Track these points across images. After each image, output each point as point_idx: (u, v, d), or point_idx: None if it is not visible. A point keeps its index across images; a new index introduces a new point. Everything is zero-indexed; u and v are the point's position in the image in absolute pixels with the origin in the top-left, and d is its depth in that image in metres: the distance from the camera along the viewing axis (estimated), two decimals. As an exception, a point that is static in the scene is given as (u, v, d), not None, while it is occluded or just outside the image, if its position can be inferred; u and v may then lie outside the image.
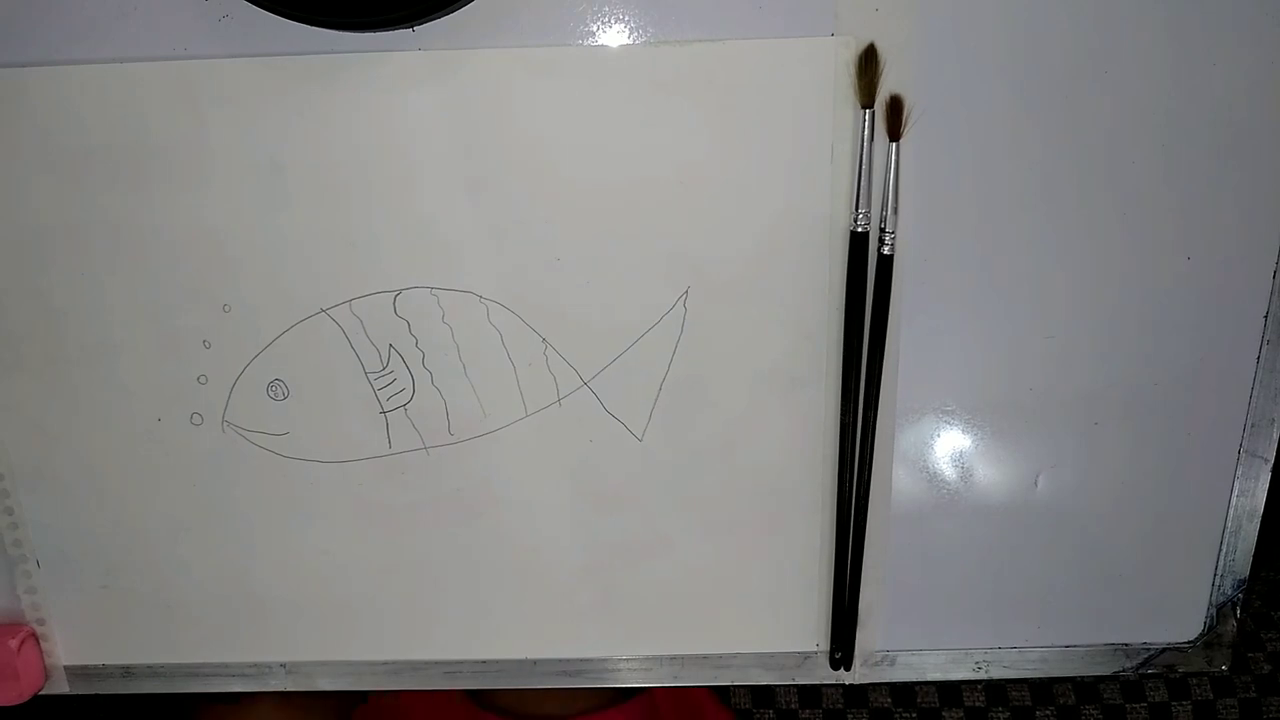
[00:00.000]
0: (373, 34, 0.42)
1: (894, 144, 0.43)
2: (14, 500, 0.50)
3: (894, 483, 0.49)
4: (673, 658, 0.53)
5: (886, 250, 0.44)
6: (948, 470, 0.49)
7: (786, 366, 0.47)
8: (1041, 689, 0.75)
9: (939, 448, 0.48)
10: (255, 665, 0.54)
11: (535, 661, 0.53)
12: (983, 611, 0.51)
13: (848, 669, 0.52)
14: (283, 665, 0.54)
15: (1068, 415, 0.48)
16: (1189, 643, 0.52)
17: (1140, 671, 0.53)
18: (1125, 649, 0.52)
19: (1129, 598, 0.51)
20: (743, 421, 0.48)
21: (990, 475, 0.49)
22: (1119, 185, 0.44)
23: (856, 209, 0.43)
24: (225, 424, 0.49)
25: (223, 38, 0.42)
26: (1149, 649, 0.52)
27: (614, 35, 0.42)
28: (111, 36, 0.43)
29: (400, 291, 0.46)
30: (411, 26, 0.42)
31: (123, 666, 0.54)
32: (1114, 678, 0.65)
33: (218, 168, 0.44)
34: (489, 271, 0.46)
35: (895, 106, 0.42)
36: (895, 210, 0.43)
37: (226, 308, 0.47)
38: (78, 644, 0.54)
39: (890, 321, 0.45)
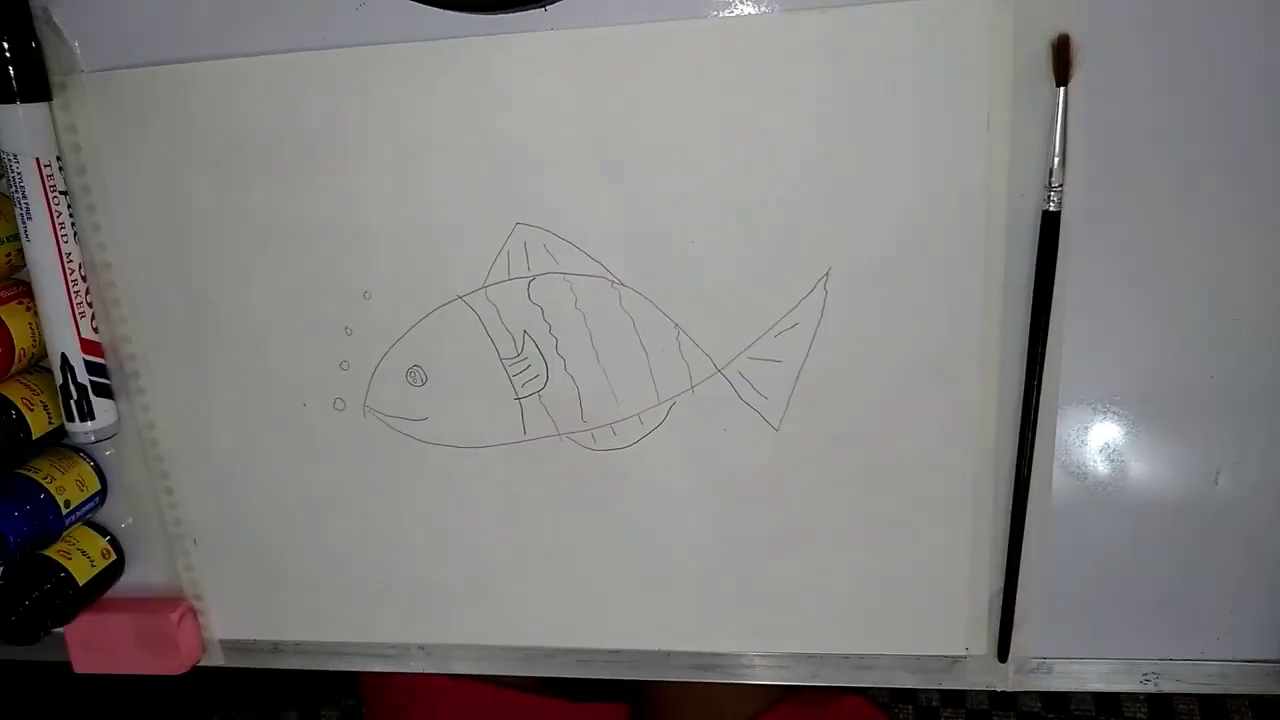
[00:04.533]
0: (506, 15, 0.42)
1: (1062, 89, 0.39)
2: (174, 480, 0.53)
3: (1055, 478, 0.45)
4: (810, 656, 0.51)
5: (1052, 207, 0.40)
6: (1116, 465, 0.45)
7: (936, 352, 0.44)
8: (1214, 704, 0.69)
9: (1107, 440, 0.45)
10: (395, 646, 0.55)
11: (668, 654, 0.52)
12: (1154, 619, 0.47)
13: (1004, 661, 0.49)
14: (421, 647, 0.55)
15: (1254, 406, 0.43)
16: (1396, 662, 0.47)
17: (1336, 692, 0.48)
18: (1320, 666, 0.47)
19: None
20: (887, 411, 0.45)
21: (1165, 471, 0.45)
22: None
23: (1051, 183, 0.40)
24: (366, 409, 0.49)
25: (359, 25, 0.43)
26: (1348, 667, 0.47)
27: (751, 5, 0.40)
28: (254, 29, 0.44)
29: (534, 277, 0.46)
30: (544, 6, 0.41)
31: (272, 643, 0.56)
32: (1300, 696, 0.59)
33: (356, 156, 0.45)
34: (622, 256, 0.45)
35: (1062, 48, 0.38)
36: (1063, 163, 0.40)
37: (367, 295, 0.47)
38: (232, 619, 0.56)
39: (1055, 301, 0.42)
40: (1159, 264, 0.42)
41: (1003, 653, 0.48)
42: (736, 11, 0.41)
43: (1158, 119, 0.40)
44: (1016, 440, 0.44)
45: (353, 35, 0.43)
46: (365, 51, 0.43)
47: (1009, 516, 0.45)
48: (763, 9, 0.40)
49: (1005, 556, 0.46)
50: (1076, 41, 0.39)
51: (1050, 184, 0.40)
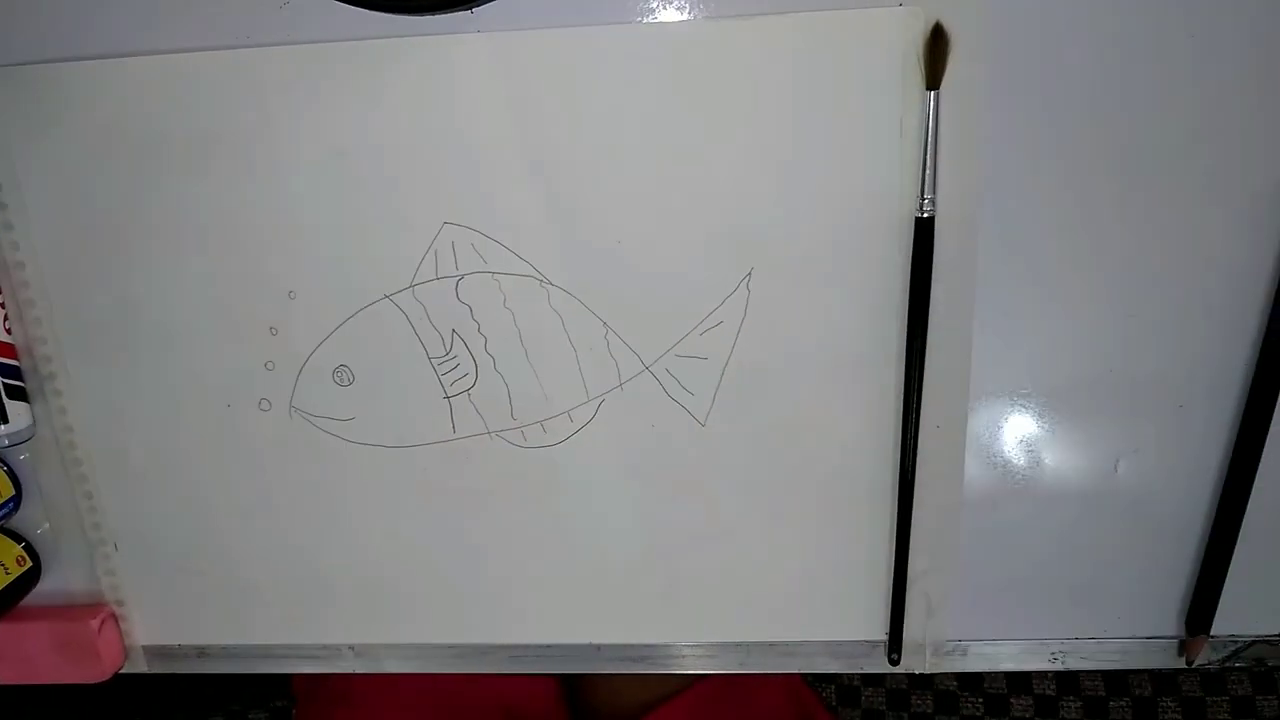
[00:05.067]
0: (431, 17, 0.42)
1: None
2: (93, 484, 0.51)
3: (967, 468, 0.47)
4: (738, 645, 0.53)
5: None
6: (1024, 455, 0.47)
7: (855, 349, 0.45)
8: (1116, 678, 0.73)
9: (1015, 431, 0.47)
10: (324, 647, 0.55)
11: (599, 647, 0.53)
12: (1059, 601, 0.50)
13: (896, 665, 0.51)
14: (351, 648, 0.55)
15: (1150, 397, 0.46)
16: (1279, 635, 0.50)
17: (1225, 664, 0.51)
18: (1211, 641, 0.50)
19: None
20: (809, 406, 0.47)
21: (1069, 460, 0.47)
22: (1210, 156, 0.42)
23: (923, 193, 0.42)
24: (293, 409, 0.49)
25: (283, 25, 0.42)
26: (1236, 641, 0.50)
27: (674, 11, 0.41)
28: (176, 26, 0.43)
29: (462, 276, 0.46)
30: (469, 8, 0.41)
31: (197, 647, 0.55)
32: (1195, 670, 0.63)
33: (281, 155, 0.45)
34: (550, 255, 0.45)
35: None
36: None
37: (292, 294, 0.47)
38: (155, 624, 0.55)
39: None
40: (1062, 263, 0.44)
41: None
42: (660, 17, 0.41)
43: (1060, 134, 0.42)
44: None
45: (277, 34, 0.43)
46: (291, 50, 0.43)
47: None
48: (686, 15, 0.41)
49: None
50: (953, 44, 0.40)
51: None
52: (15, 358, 0.48)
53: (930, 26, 0.40)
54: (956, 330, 0.44)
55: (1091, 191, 0.43)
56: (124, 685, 0.55)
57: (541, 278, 0.46)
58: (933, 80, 0.40)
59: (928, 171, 0.41)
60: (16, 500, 0.52)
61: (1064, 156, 0.42)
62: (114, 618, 0.54)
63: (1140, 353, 0.45)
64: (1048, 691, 0.71)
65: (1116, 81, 0.41)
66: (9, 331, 0.48)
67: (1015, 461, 0.47)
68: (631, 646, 0.53)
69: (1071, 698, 0.71)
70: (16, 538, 0.52)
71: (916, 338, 0.44)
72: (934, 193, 0.42)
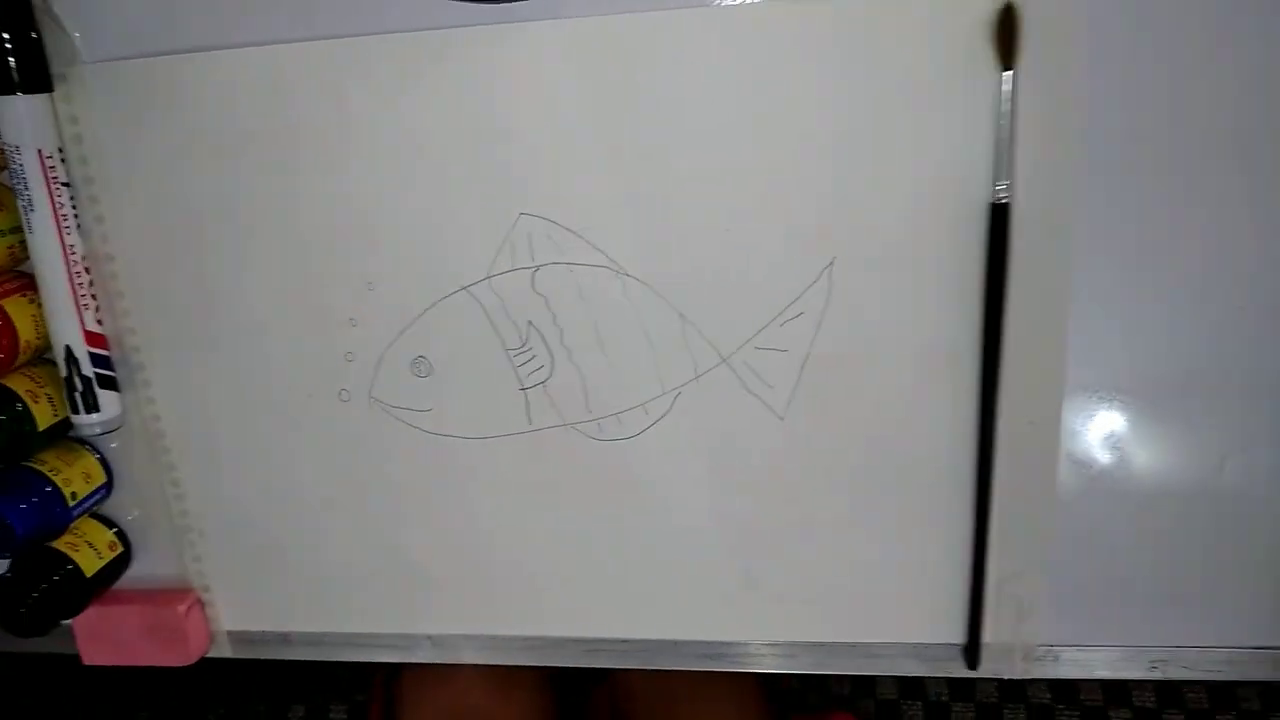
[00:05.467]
0: (510, 5, 0.41)
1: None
2: (180, 473, 0.53)
3: (1061, 466, 0.45)
4: (818, 645, 0.51)
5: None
6: (1122, 452, 0.45)
7: (941, 341, 0.44)
8: (1222, 691, 0.69)
9: (1112, 427, 0.44)
10: (403, 636, 0.55)
11: (676, 643, 0.52)
12: (1161, 606, 0.47)
13: (974, 669, 0.49)
14: (429, 638, 0.55)
15: (1260, 393, 0.43)
16: (1404, 649, 0.47)
17: (1343, 678, 0.48)
18: (1328, 653, 0.47)
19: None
20: (892, 400, 0.45)
21: (1171, 459, 0.45)
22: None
23: (997, 178, 0.40)
24: (372, 400, 0.49)
25: (361, 15, 0.43)
26: (1356, 653, 0.47)
27: (753, -8, 0.40)
28: (257, 19, 0.44)
29: (538, 268, 0.46)
30: (546, -6, 0.41)
31: (281, 633, 0.56)
32: (1308, 683, 0.59)
33: (358, 147, 0.45)
34: (626, 246, 0.45)
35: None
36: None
37: (371, 286, 0.47)
38: (239, 610, 0.56)
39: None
40: (1163, 253, 0.41)
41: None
42: (740, 0, 0.40)
43: (1164, 105, 0.39)
44: (1022, 427, 0.44)
45: (354, 25, 0.43)
46: (368, 41, 0.43)
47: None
48: (766, -4, 0.40)
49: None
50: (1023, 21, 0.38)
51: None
52: (106, 348, 0.50)
53: (1002, 3, 0.38)
54: (1049, 321, 0.42)
55: (1199, 178, 0.40)
56: (210, 671, 0.56)
57: (617, 268, 0.45)
58: (1006, 59, 0.38)
59: (1002, 156, 0.39)
60: (108, 487, 0.53)
61: (1162, 135, 0.40)
62: (200, 603, 0.55)
63: (1250, 346, 0.42)
64: (1148, 704, 0.68)
65: (1216, 51, 0.38)
66: (100, 323, 0.49)
67: (1113, 459, 0.45)
68: (709, 643, 0.52)
69: (1174, 710, 0.68)
70: (109, 523, 0.54)
71: (992, 329, 0.42)
72: (1010, 177, 0.40)
